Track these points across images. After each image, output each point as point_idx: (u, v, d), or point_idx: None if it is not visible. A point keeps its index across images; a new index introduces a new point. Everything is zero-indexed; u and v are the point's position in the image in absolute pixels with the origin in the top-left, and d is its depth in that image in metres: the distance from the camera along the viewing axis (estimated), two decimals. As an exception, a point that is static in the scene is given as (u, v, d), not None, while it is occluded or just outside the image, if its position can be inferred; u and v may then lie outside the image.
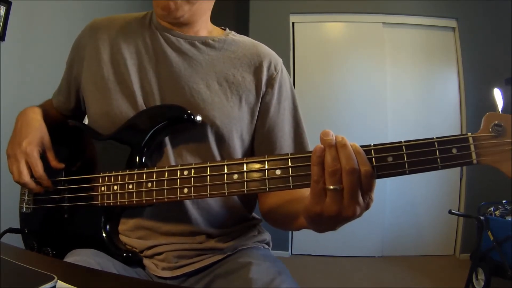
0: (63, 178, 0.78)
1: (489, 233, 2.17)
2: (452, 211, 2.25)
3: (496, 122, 0.49)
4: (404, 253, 3.17)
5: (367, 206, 0.51)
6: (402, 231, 3.20)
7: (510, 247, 2.07)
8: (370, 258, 3.14)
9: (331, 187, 0.49)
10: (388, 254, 3.18)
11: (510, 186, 2.34)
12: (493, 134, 0.49)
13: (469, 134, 0.49)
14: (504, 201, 2.41)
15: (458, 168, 3.16)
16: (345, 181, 0.48)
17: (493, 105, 0.51)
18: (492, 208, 2.41)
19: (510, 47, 3.02)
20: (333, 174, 0.48)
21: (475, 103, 3.05)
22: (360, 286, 2.58)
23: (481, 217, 2.22)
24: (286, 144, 0.80)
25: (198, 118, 0.71)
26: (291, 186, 0.54)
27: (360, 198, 0.49)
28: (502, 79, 2.81)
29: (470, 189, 3.09)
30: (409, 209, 3.22)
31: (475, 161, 0.49)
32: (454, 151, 0.49)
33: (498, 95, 0.51)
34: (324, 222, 0.53)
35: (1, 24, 1.82)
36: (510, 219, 2.23)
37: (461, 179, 3.18)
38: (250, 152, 0.81)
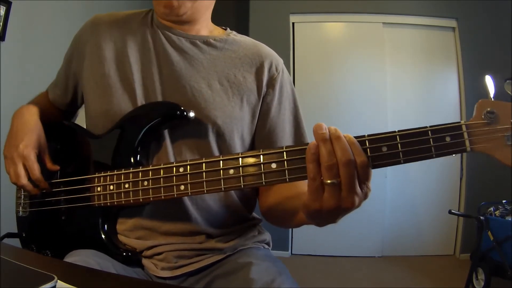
0: (59, 180, 0.77)
1: (489, 233, 2.17)
2: (452, 211, 2.25)
3: (488, 109, 0.49)
4: (404, 253, 3.17)
5: (365, 196, 0.51)
6: (402, 231, 3.20)
7: (510, 247, 2.07)
8: (370, 258, 3.14)
9: (329, 181, 0.49)
10: (388, 254, 3.18)
11: (510, 186, 2.34)
12: (485, 121, 0.49)
13: (462, 121, 0.50)
14: (504, 201, 2.41)
15: (458, 168, 3.16)
16: (342, 174, 0.49)
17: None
18: (492, 208, 2.41)
19: (510, 47, 3.02)
20: (330, 168, 0.49)
21: (475, 103, 3.04)
22: (360, 286, 2.58)
23: (481, 217, 2.22)
24: (286, 143, 0.80)
25: (191, 114, 0.70)
26: (287, 179, 0.54)
27: (358, 189, 0.50)
28: (502, 79, 2.81)
29: (470, 189, 3.09)
30: (409, 209, 3.22)
31: (468, 149, 0.49)
32: (448, 139, 0.49)
33: (489, 82, 0.51)
34: (324, 216, 0.53)
35: (1, 24, 1.82)
36: (510, 219, 2.23)
37: (461, 179, 3.18)
38: None
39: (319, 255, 3.16)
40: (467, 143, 0.49)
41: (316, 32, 3.33)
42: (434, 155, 0.50)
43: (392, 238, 3.20)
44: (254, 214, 0.87)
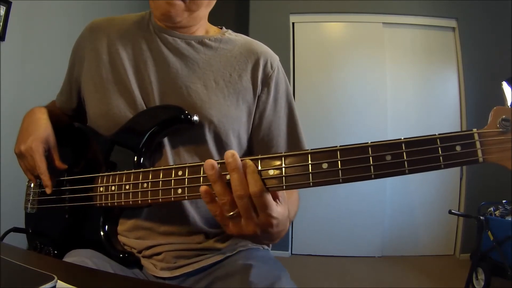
0: (64, 178, 0.78)
1: (489, 233, 2.18)
2: (452, 211, 2.25)
3: (504, 116, 0.45)
4: (404, 253, 3.17)
5: (266, 224, 0.52)
6: (402, 231, 3.20)
7: (510, 247, 2.07)
8: (370, 258, 3.14)
9: (228, 214, 0.52)
10: (388, 254, 3.18)
11: (510, 186, 2.34)
12: (500, 129, 0.45)
13: (475, 130, 0.45)
14: (504, 201, 2.42)
15: (458, 168, 3.16)
16: (238, 206, 0.51)
17: (494, 104, 0.48)
18: (492, 208, 2.41)
19: (510, 47, 3.02)
20: (224, 204, 0.52)
21: (475, 103, 3.05)
22: (360, 286, 2.58)
23: (481, 217, 2.22)
24: (282, 142, 0.81)
25: (195, 118, 0.71)
26: (284, 187, 0.52)
27: (255, 218, 0.52)
28: (502, 79, 2.82)
29: (470, 189, 3.09)
30: (409, 208, 3.22)
31: (481, 159, 0.45)
32: (458, 148, 0.45)
33: (507, 89, 0.48)
34: (250, 239, 0.60)
35: (1, 24, 1.82)
36: (510, 219, 2.23)
37: (461, 179, 3.18)
38: (248, 151, 0.81)
39: (319, 255, 3.16)
40: (479, 153, 0.45)
41: (316, 32, 3.33)
42: (442, 166, 0.45)
43: (392, 238, 3.20)
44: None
